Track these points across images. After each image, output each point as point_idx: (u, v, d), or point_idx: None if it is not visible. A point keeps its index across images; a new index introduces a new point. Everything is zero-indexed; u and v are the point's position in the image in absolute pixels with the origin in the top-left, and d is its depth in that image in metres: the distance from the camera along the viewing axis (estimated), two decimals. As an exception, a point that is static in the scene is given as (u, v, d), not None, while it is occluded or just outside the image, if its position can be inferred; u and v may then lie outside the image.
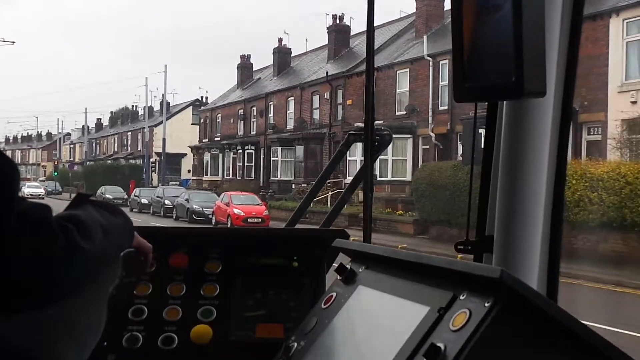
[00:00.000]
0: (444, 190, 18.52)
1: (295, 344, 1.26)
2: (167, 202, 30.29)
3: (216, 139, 40.39)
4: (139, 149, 48.43)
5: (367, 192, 1.69)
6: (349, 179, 24.86)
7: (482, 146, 1.37)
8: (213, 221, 25.66)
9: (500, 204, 1.27)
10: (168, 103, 43.55)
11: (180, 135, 43.52)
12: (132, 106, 56.80)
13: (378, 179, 23.89)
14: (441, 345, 0.93)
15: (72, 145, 68.00)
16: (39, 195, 43.15)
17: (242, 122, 37.53)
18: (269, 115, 34.89)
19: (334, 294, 1.30)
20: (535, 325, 0.92)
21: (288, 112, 33.66)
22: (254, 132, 35.80)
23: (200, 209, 27.22)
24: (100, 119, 64.18)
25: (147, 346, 1.54)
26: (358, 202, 23.81)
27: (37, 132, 78.02)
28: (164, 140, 37.93)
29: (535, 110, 1.24)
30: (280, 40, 36.77)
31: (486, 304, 0.92)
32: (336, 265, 1.34)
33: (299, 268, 1.62)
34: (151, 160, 42.64)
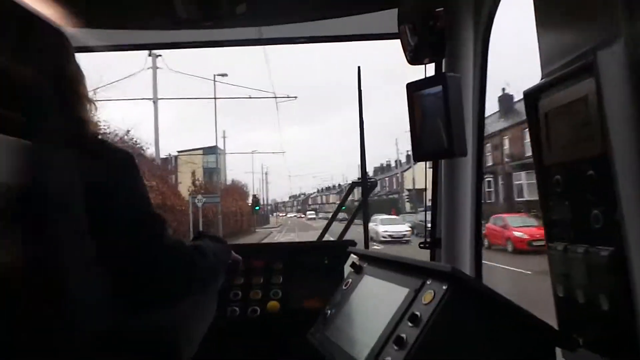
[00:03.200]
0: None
1: (329, 311, 1.40)
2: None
3: (453, 174, 40.92)
4: (394, 187, 56.32)
5: (365, 217, 1.90)
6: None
7: (431, 183, 1.59)
8: (486, 243, 17.93)
9: (443, 218, 1.50)
10: (410, 156, 50.58)
11: (421, 177, 46.14)
12: (386, 162, 71.74)
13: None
14: (418, 313, 1.02)
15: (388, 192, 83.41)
16: (403, 234, 24.99)
17: (481, 156, 35.97)
18: (504, 148, 31.42)
19: (350, 280, 1.43)
20: (474, 299, 1.02)
21: (524, 141, 27.99)
22: (491, 163, 32.59)
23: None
24: (368, 172, 77.39)
25: (241, 315, 1.77)
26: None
27: (332, 184, 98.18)
28: (413, 179, 41.95)
29: (461, 163, 1.53)
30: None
31: (444, 287, 1.01)
32: (350, 262, 1.51)
33: (328, 264, 1.83)
34: (403, 195, 47.70)
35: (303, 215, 79.68)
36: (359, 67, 1.75)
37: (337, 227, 2.12)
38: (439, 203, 1.57)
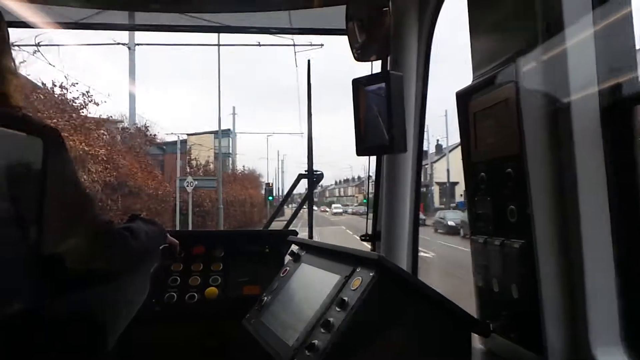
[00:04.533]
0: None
1: (266, 298, 1.43)
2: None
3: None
4: (424, 180, 48.07)
5: (310, 208, 1.94)
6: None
7: (374, 179, 1.65)
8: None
9: (384, 212, 1.55)
10: (441, 145, 44.64)
11: (453, 168, 39.82)
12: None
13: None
14: (346, 298, 1.07)
15: (373, 182, 78.67)
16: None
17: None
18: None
19: (288, 268, 1.47)
20: (400, 287, 1.07)
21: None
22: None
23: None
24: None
25: (179, 301, 1.76)
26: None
27: (352, 176, 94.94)
28: (447, 171, 37.31)
29: (402, 159, 1.56)
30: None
31: (371, 274, 1.06)
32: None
33: (268, 252, 1.86)
34: (431, 188, 41.73)
35: (327, 209, 67.92)
36: (308, 61, 1.79)
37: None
38: (380, 197, 1.63)
